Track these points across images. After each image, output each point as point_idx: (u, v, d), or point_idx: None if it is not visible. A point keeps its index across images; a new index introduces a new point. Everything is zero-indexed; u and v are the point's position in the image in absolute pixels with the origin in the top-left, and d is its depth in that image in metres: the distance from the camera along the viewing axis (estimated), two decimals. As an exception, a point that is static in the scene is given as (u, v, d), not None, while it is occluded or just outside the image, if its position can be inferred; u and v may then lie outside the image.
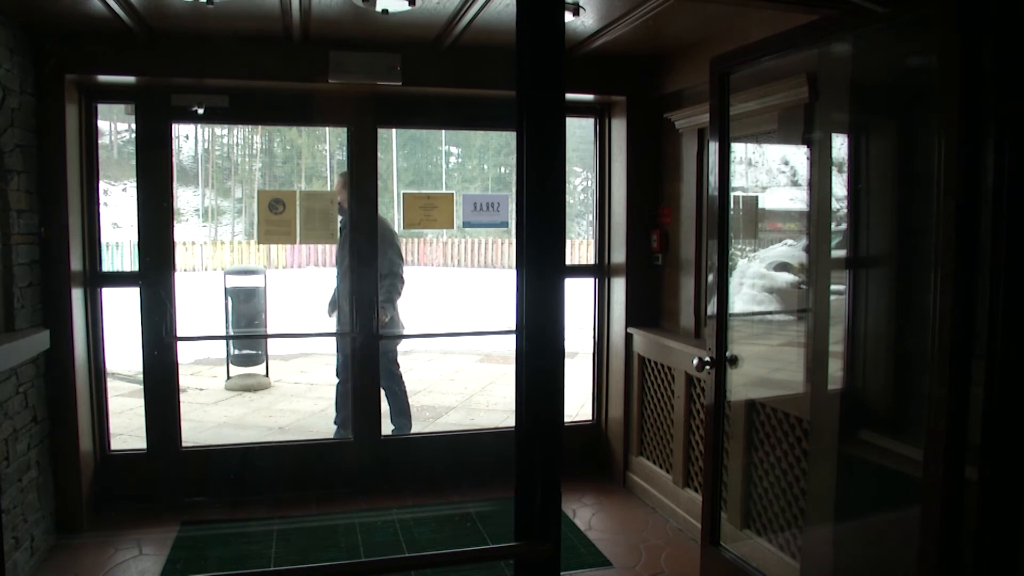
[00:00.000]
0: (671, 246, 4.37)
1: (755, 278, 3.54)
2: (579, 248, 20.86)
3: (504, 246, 21.43)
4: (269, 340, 7.84)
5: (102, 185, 4.22)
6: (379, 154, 4.58)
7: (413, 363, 8.66)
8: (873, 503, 2.67)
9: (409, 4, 3.26)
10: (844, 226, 2.80)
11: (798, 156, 3.36)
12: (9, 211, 3.37)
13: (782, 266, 3.47)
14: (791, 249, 3.44)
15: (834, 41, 2.69)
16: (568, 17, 3.43)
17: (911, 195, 2.54)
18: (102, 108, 4.17)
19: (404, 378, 5.29)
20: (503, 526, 4.05)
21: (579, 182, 26.75)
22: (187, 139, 27.32)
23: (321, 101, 4.36)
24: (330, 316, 5.34)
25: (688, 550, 3.74)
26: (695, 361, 3.16)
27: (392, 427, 5.13)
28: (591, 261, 4.91)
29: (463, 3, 3.37)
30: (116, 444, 4.44)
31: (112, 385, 4.86)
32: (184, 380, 5.83)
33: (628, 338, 4.55)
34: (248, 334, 7.46)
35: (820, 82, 2.94)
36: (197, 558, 3.64)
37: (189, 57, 3.88)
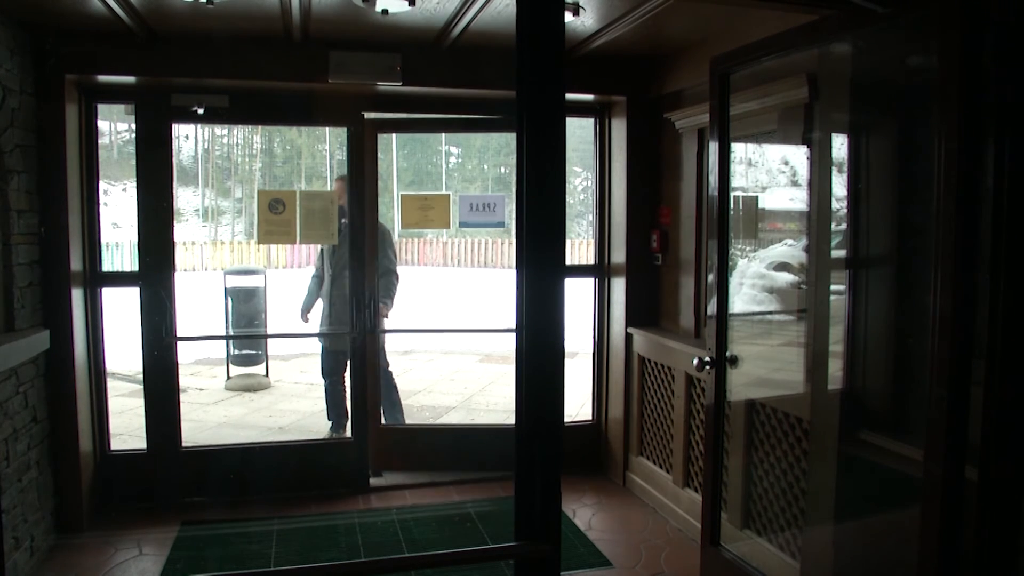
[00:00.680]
0: (671, 246, 4.37)
1: (755, 278, 3.54)
2: (579, 248, 20.85)
3: (504, 246, 21.43)
4: (269, 340, 7.83)
5: (102, 185, 4.22)
6: (379, 154, 4.59)
7: (413, 363, 8.66)
8: (873, 503, 2.67)
9: (409, 4, 3.26)
10: (844, 226, 2.80)
11: (798, 156, 3.36)
12: (9, 211, 3.37)
13: (782, 266, 3.47)
14: (791, 249, 3.44)
15: (834, 41, 2.69)
16: (568, 17, 3.43)
17: (911, 195, 2.54)
18: (102, 108, 4.17)
19: (395, 375, 5.42)
20: (503, 526, 4.05)
21: (579, 182, 26.75)
22: (187, 139, 27.32)
23: (321, 101, 4.36)
24: (304, 320, 5.45)
25: (688, 550, 3.74)
26: (695, 361, 3.16)
27: (385, 419, 5.19)
28: (591, 261, 4.91)
29: (463, 3, 3.37)
30: (116, 444, 4.44)
31: (112, 385, 4.86)
32: (184, 380, 5.83)
33: (628, 338, 4.55)
34: (248, 334, 7.45)
35: (820, 82, 2.94)
36: (197, 558, 3.64)
37: (189, 57, 3.88)
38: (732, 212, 3.16)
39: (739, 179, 3.47)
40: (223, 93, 4.17)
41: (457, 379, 7.98)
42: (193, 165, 27.64)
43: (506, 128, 5.01)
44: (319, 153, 28.78)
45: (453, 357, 9.06)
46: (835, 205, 2.84)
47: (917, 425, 2.32)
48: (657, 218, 4.48)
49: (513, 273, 1.48)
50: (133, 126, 4.21)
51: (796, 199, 3.41)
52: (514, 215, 1.46)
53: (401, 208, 4.82)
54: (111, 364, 4.50)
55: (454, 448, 4.77)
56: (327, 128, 21.05)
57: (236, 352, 7.53)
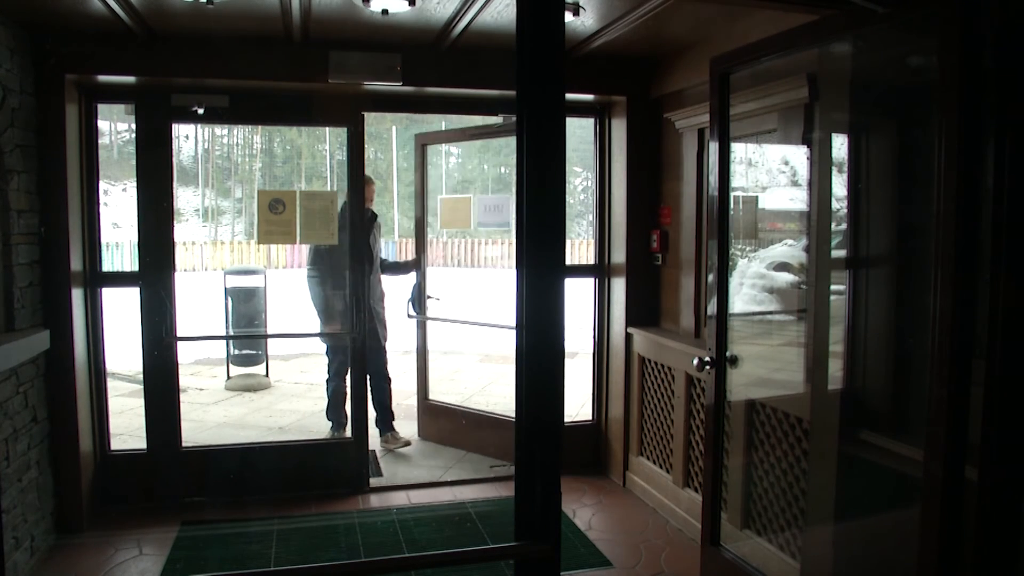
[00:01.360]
0: (671, 246, 4.37)
1: (755, 278, 3.54)
2: (579, 248, 20.85)
3: (504, 246, 21.43)
4: (269, 340, 7.83)
5: (102, 185, 4.22)
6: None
7: (413, 363, 8.63)
8: (873, 503, 2.67)
9: (409, 4, 3.26)
10: (844, 226, 2.80)
11: (798, 156, 3.36)
12: (9, 211, 3.37)
13: (782, 266, 3.47)
14: (791, 249, 3.44)
15: (834, 41, 2.69)
16: (568, 17, 3.43)
17: (911, 195, 2.54)
18: (102, 108, 4.17)
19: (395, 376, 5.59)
20: (503, 526, 4.05)
21: (579, 182, 26.75)
22: (187, 139, 27.33)
23: (321, 101, 4.36)
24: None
25: (688, 550, 3.74)
26: (695, 361, 3.16)
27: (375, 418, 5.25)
28: (591, 261, 4.91)
29: (463, 3, 3.37)
30: (116, 444, 4.44)
31: (112, 385, 4.86)
32: (184, 380, 5.83)
33: (628, 338, 4.55)
34: (248, 334, 7.45)
35: (820, 82, 2.94)
36: (197, 558, 3.64)
37: (189, 57, 3.88)
38: (732, 212, 3.16)
39: (739, 179, 3.47)
40: (223, 93, 4.17)
41: (457, 379, 7.98)
42: (193, 165, 27.64)
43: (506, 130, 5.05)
44: (319, 153, 28.78)
45: (453, 357, 9.05)
46: (835, 205, 2.84)
47: (917, 425, 2.32)
48: (657, 218, 4.48)
49: (511, 272, 1.48)
50: (133, 126, 4.21)
51: (796, 199, 3.41)
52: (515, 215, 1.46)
53: (441, 210, 5.43)
54: (111, 364, 4.50)
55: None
56: (327, 128, 21.08)
57: (236, 352, 7.53)
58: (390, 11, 3.32)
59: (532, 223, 1.40)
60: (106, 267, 4.48)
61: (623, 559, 3.69)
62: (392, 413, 5.39)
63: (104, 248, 4.27)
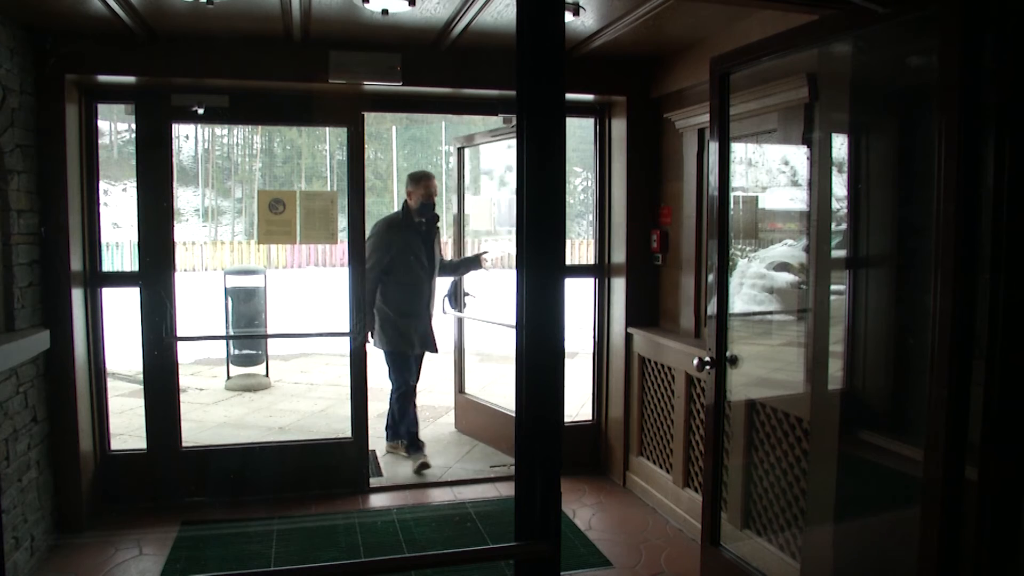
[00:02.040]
0: (671, 246, 4.37)
1: (755, 278, 3.54)
2: (579, 248, 20.85)
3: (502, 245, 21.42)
4: (269, 340, 7.83)
5: (102, 185, 4.22)
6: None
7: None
8: (873, 503, 2.67)
9: (409, 4, 3.26)
10: (844, 226, 2.80)
11: (798, 156, 3.36)
12: (9, 211, 3.37)
13: (782, 266, 3.47)
14: (791, 249, 3.44)
15: (834, 41, 2.69)
16: (568, 17, 3.43)
17: (911, 195, 2.54)
18: (102, 108, 4.17)
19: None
20: (503, 526, 4.05)
21: (579, 182, 26.75)
22: (187, 139, 27.33)
23: (321, 101, 4.36)
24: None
25: (688, 550, 3.74)
26: (695, 361, 3.16)
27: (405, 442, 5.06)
28: (591, 261, 4.91)
29: (463, 4, 3.37)
30: (116, 444, 4.44)
31: (112, 385, 4.86)
32: (184, 380, 5.83)
33: (628, 338, 4.55)
34: (248, 334, 7.45)
35: (820, 82, 2.94)
36: (197, 558, 3.64)
37: (189, 57, 3.88)
38: (732, 212, 3.16)
39: (739, 179, 3.47)
40: (223, 93, 4.17)
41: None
42: (193, 165, 27.64)
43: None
44: (319, 153, 28.78)
45: (452, 357, 9.04)
46: (835, 205, 2.84)
47: (917, 425, 2.32)
48: (657, 218, 4.48)
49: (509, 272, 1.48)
50: (133, 126, 4.21)
51: (796, 199, 3.41)
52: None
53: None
54: (111, 364, 4.50)
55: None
56: (327, 128, 21.08)
57: (236, 352, 7.53)
58: (390, 11, 3.32)
59: (532, 223, 1.40)
60: (106, 267, 4.48)
61: (623, 559, 3.69)
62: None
63: (104, 248, 4.27)
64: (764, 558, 3.15)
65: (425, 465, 4.84)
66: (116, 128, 24.83)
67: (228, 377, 7.43)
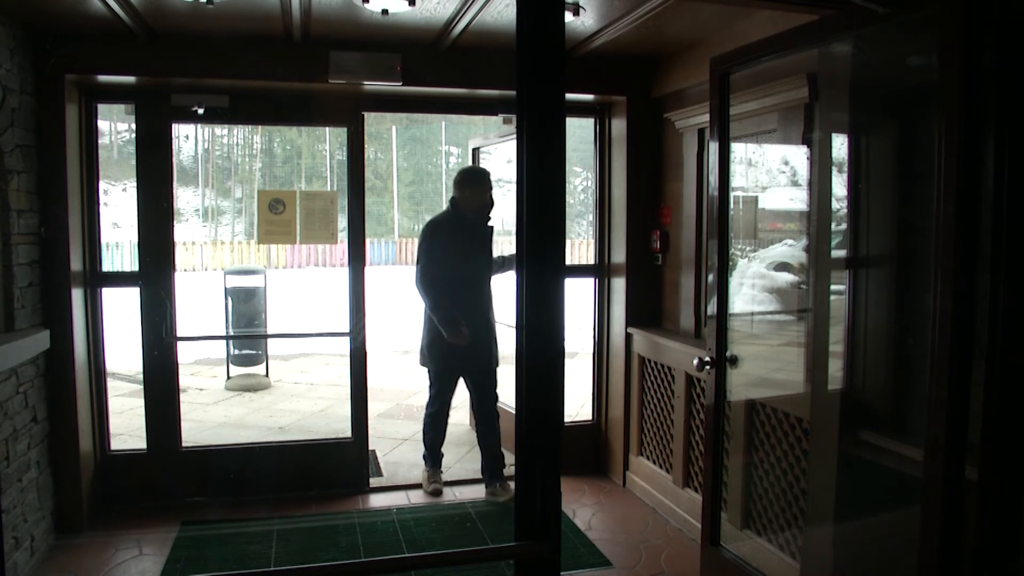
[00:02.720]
0: (671, 246, 4.37)
1: (755, 278, 3.54)
2: (579, 248, 20.86)
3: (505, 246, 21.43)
4: (269, 340, 7.83)
5: (102, 185, 4.22)
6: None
7: (413, 363, 8.64)
8: (873, 503, 2.67)
9: (409, 4, 3.26)
10: (844, 226, 2.80)
11: (798, 156, 3.36)
12: (9, 211, 3.37)
13: (782, 266, 3.47)
14: (791, 249, 3.44)
15: (834, 41, 2.69)
16: (568, 17, 3.43)
17: (911, 195, 2.54)
18: (102, 108, 4.17)
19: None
20: (503, 526, 4.05)
21: (579, 182, 26.77)
22: (187, 139, 27.35)
23: (321, 101, 4.36)
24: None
25: (688, 550, 3.74)
26: (695, 361, 3.16)
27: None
28: (591, 261, 4.91)
29: (463, 4, 3.37)
30: (116, 444, 4.44)
31: (112, 385, 4.86)
32: (184, 380, 5.83)
33: (628, 338, 4.55)
34: (248, 334, 7.45)
35: (820, 82, 2.94)
36: (197, 558, 3.64)
37: (189, 57, 3.88)
38: (732, 212, 3.16)
39: (739, 179, 3.47)
40: (223, 93, 4.17)
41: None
42: (193, 165, 27.66)
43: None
44: (319, 153, 28.79)
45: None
46: (835, 205, 2.84)
47: (917, 425, 2.32)
48: (657, 218, 4.48)
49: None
50: (133, 126, 4.21)
51: (796, 199, 3.41)
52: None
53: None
54: (111, 364, 4.50)
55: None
56: (327, 128, 21.09)
57: (236, 352, 7.53)
58: (390, 11, 3.32)
59: (532, 223, 1.40)
60: (106, 267, 4.48)
61: (623, 559, 3.68)
62: (503, 459, 4.52)
63: (104, 248, 4.27)
64: (764, 558, 3.15)
65: (438, 492, 4.49)
66: (116, 128, 24.84)
67: (228, 377, 7.43)
